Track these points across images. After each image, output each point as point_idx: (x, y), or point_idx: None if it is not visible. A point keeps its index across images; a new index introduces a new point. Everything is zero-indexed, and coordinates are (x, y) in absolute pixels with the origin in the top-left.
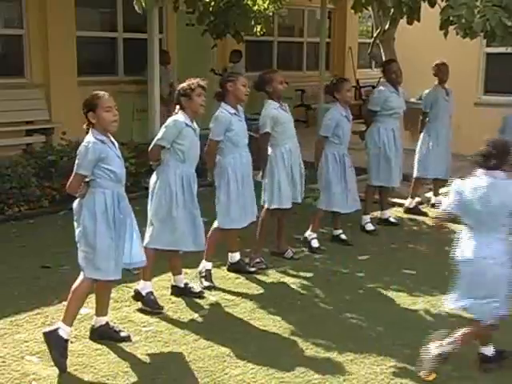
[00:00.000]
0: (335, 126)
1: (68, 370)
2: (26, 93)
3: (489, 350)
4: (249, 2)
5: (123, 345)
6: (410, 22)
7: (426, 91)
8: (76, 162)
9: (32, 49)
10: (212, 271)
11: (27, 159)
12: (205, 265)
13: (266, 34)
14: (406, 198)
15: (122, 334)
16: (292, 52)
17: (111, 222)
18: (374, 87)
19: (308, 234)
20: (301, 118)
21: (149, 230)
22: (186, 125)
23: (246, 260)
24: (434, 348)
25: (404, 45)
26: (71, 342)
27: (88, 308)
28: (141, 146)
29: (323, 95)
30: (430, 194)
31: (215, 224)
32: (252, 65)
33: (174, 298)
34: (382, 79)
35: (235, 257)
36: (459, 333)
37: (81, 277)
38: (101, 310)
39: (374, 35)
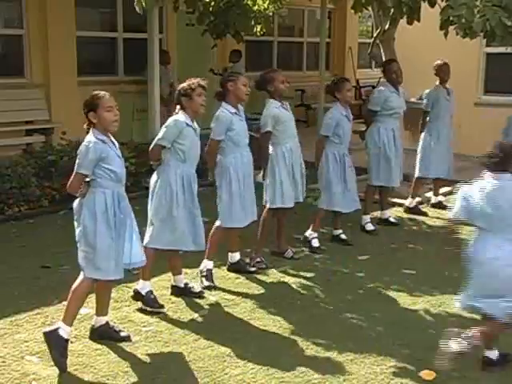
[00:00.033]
0: (336, 126)
1: (68, 369)
2: (25, 93)
3: (494, 354)
4: (249, 2)
5: (123, 345)
6: (409, 22)
7: (427, 91)
8: (77, 161)
9: (32, 49)
10: (213, 271)
11: (27, 159)
12: (206, 264)
13: (265, 34)
14: (406, 198)
15: (122, 334)
16: (292, 52)
17: (111, 221)
18: (374, 87)
19: (309, 233)
20: (301, 118)
21: (149, 230)
22: (187, 124)
23: (246, 260)
24: (453, 344)
25: (404, 45)
26: (71, 342)
27: (88, 308)
28: (141, 145)
29: (323, 95)
30: (430, 194)
31: (217, 223)
32: (252, 65)
33: (173, 298)
34: (382, 79)
35: (235, 257)
36: (474, 330)
37: (81, 277)
38: (101, 309)
39: (374, 35)
